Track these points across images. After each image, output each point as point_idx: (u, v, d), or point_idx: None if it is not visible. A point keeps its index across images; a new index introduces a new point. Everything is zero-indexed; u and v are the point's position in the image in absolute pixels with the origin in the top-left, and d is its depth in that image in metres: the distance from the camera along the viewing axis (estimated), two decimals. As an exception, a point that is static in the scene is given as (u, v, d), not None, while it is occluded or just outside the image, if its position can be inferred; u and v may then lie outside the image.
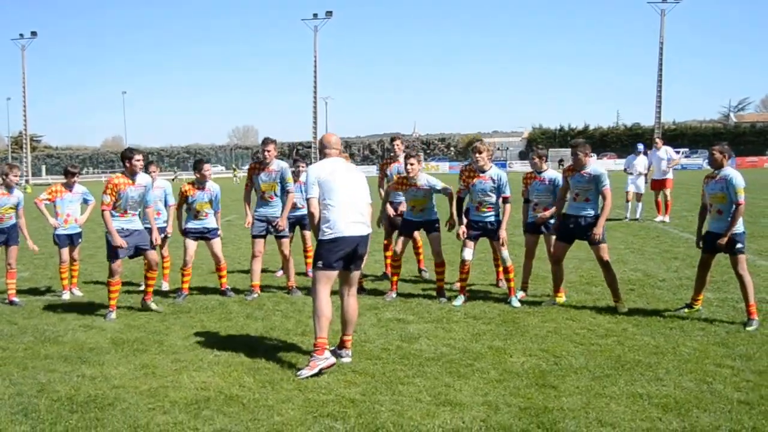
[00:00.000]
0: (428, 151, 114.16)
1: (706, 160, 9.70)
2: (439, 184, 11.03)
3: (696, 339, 8.41)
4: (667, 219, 21.07)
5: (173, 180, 64.00)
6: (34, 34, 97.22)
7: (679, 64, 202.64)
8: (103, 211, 10.16)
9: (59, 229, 11.78)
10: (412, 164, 10.86)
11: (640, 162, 21.84)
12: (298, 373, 7.46)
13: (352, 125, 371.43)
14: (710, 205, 9.39)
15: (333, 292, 7.87)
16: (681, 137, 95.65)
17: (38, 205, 11.82)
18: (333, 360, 7.54)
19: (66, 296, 11.77)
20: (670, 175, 21.40)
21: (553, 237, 10.62)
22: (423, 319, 9.74)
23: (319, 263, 7.78)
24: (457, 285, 11.05)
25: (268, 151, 11.32)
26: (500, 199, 10.46)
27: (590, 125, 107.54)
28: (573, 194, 10.14)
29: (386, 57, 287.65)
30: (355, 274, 8.08)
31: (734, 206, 9.06)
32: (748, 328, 8.76)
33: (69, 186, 11.82)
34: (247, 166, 17.29)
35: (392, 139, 12.48)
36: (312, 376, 7.33)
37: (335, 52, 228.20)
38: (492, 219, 10.53)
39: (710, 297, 10.32)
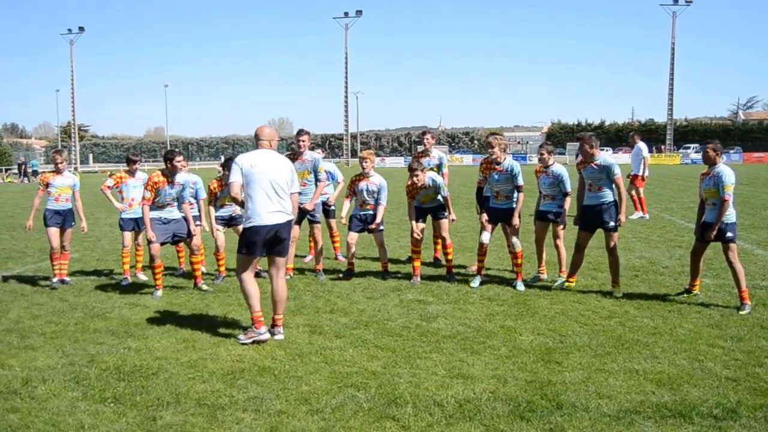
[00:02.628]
0: (453, 144, 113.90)
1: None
2: (443, 185, 11.36)
3: (692, 321, 8.52)
4: (646, 216, 19.63)
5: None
6: (81, 29, 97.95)
7: (691, 64, 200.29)
8: (142, 205, 10.46)
9: (124, 213, 11.76)
10: (417, 175, 11.09)
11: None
12: (239, 337, 8.02)
13: (382, 118, 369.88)
14: (706, 200, 9.46)
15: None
16: (692, 133, 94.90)
17: (104, 191, 11.90)
18: (267, 336, 7.89)
19: (126, 283, 11.55)
20: (640, 172, 19.81)
21: (559, 228, 10.86)
22: (442, 300, 9.91)
23: (243, 250, 8.07)
24: (474, 268, 11.26)
25: (303, 142, 11.44)
26: (514, 188, 10.61)
27: (606, 121, 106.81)
28: (587, 185, 10.21)
29: (414, 53, 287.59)
30: (281, 260, 8.22)
31: (721, 201, 9.16)
32: (741, 312, 8.85)
33: (131, 172, 11.87)
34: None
35: (423, 133, 12.64)
36: (246, 344, 7.84)
37: (365, 48, 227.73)
38: (509, 207, 10.65)
39: (708, 283, 10.39)
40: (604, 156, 10.20)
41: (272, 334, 8.14)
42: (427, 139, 12.64)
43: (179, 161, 10.56)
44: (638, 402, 5.98)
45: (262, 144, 8.25)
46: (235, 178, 8.00)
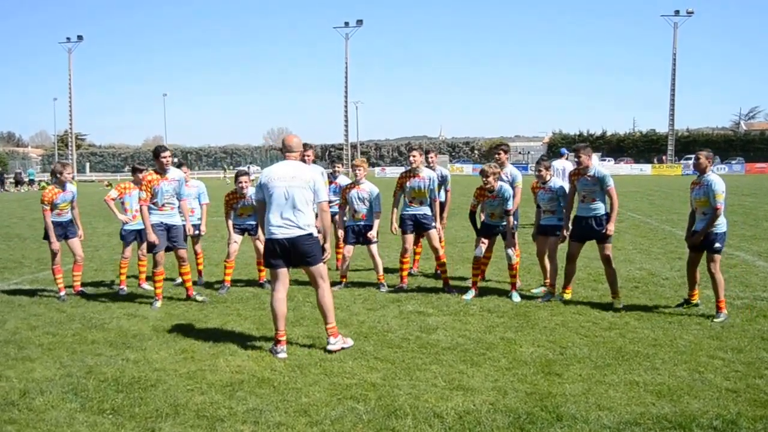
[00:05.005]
0: (453, 154, 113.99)
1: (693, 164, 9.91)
2: (444, 181, 11.52)
3: (692, 332, 8.57)
4: None
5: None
6: (80, 38, 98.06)
7: (693, 74, 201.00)
8: (141, 206, 10.50)
9: (126, 224, 11.78)
10: (414, 156, 11.34)
11: (558, 164, 19.02)
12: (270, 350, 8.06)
13: (382, 128, 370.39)
14: (696, 209, 9.60)
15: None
16: (694, 144, 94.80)
17: (108, 203, 11.80)
18: (283, 356, 7.82)
19: (124, 293, 11.63)
20: None
21: (558, 239, 10.89)
22: (442, 312, 9.93)
23: (264, 261, 8.43)
24: (471, 280, 11.29)
25: (308, 156, 11.55)
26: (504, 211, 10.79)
27: (608, 131, 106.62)
28: (580, 196, 10.28)
29: (414, 63, 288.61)
30: (313, 270, 8.09)
31: (713, 210, 9.28)
32: (716, 320, 9.06)
33: (137, 183, 11.72)
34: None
35: (409, 150, 12.26)
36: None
37: (366, 58, 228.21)
38: (503, 224, 10.89)
39: (709, 294, 10.32)
40: (598, 167, 10.29)
41: (328, 343, 8.11)
42: (499, 154, 11.80)
43: (165, 156, 10.56)
44: (638, 414, 6.02)
45: (290, 156, 8.21)
46: (257, 196, 8.20)
